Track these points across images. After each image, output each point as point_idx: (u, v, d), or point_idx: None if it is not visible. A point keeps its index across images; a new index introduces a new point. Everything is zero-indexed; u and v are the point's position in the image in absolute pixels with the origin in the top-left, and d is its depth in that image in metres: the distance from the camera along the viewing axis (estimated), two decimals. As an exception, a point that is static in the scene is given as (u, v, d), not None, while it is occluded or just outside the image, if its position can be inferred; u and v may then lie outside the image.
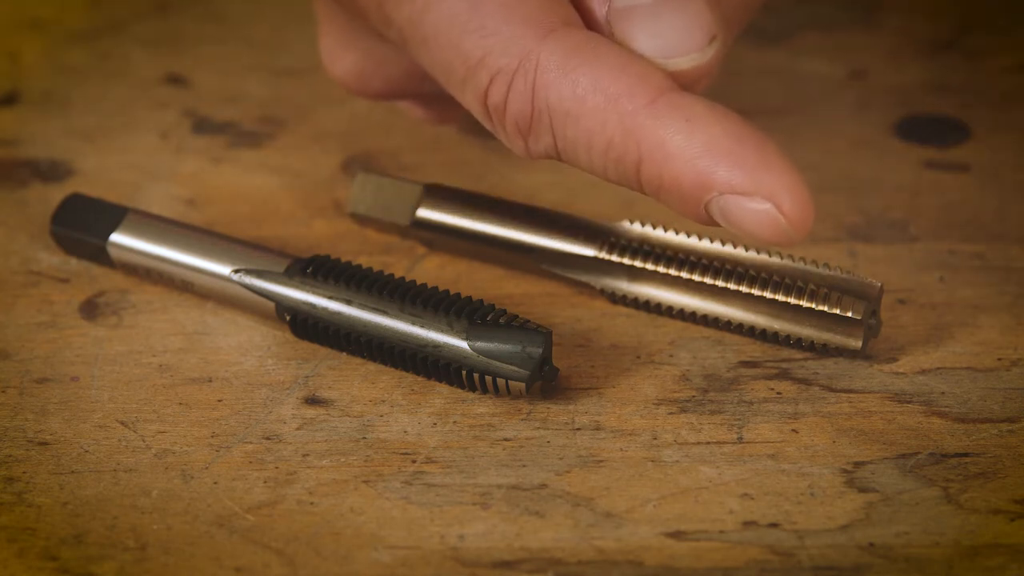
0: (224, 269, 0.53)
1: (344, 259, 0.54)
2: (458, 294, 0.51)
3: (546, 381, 0.50)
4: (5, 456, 0.49)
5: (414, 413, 0.50)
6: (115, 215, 0.55)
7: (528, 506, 0.47)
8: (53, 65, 0.66)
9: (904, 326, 0.53)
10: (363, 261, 0.55)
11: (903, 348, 0.52)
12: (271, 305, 0.52)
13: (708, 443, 0.49)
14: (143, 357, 0.52)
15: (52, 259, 0.56)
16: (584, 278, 0.54)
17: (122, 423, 0.50)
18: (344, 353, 0.52)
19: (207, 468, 0.49)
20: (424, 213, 0.55)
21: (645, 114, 0.44)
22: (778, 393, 0.51)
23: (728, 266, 0.52)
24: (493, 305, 0.50)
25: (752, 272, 0.51)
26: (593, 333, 0.53)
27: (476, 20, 0.46)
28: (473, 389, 0.50)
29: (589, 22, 0.47)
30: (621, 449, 0.49)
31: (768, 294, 0.51)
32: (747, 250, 0.52)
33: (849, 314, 0.50)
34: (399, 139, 0.62)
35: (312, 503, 0.47)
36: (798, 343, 0.51)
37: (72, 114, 0.64)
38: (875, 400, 0.50)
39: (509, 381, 0.49)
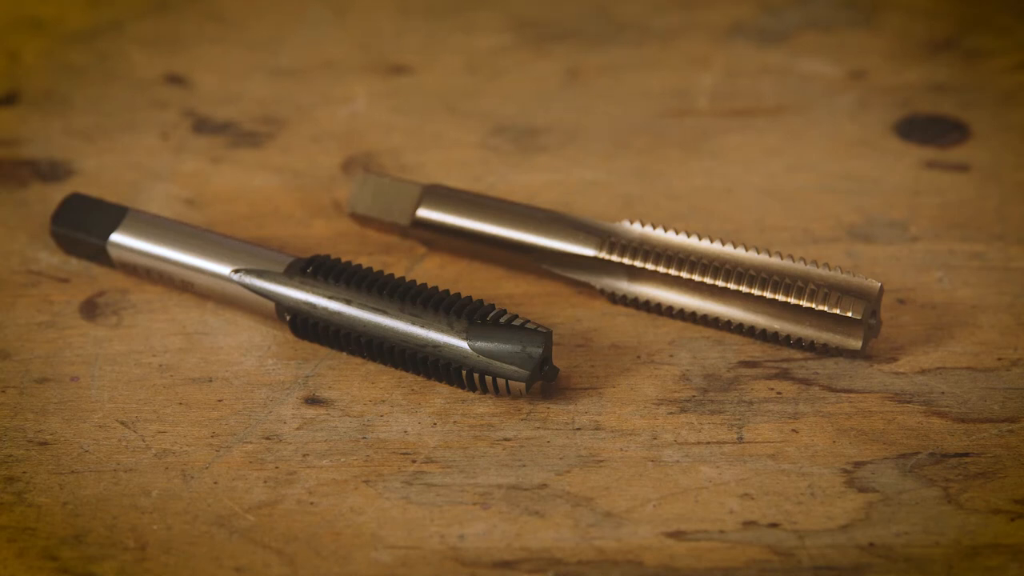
0: (224, 269, 0.53)
1: (344, 259, 0.54)
2: (458, 294, 0.51)
3: (546, 381, 0.50)
4: (5, 456, 0.49)
5: (414, 413, 0.50)
6: (115, 215, 0.55)
7: (528, 506, 0.47)
8: (53, 65, 0.66)
9: (904, 326, 0.53)
10: (363, 261, 0.55)
11: (903, 348, 0.52)
12: (271, 305, 0.52)
13: (708, 443, 0.49)
14: (143, 357, 0.52)
15: (52, 259, 0.56)
16: (584, 278, 0.53)
17: (122, 423, 0.50)
18: (344, 353, 0.52)
19: (207, 468, 0.49)
20: (424, 213, 0.55)
21: None
22: (778, 393, 0.50)
23: (728, 266, 0.52)
24: (493, 305, 0.50)
25: (752, 272, 0.51)
26: (593, 333, 0.53)
27: None
28: (473, 389, 0.50)
29: None
30: (621, 449, 0.49)
31: (768, 294, 0.51)
32: (747, 250, 0.52)
33: (849, 314, 0.50)
34: (399, 139, 0.62)
35: (312, 503, 0.47)
36: (798, 343, 0.51)
37: (72, 114, 0.64)
38: (875, 400, 0.50)
39: (509, 381, 0.49)
